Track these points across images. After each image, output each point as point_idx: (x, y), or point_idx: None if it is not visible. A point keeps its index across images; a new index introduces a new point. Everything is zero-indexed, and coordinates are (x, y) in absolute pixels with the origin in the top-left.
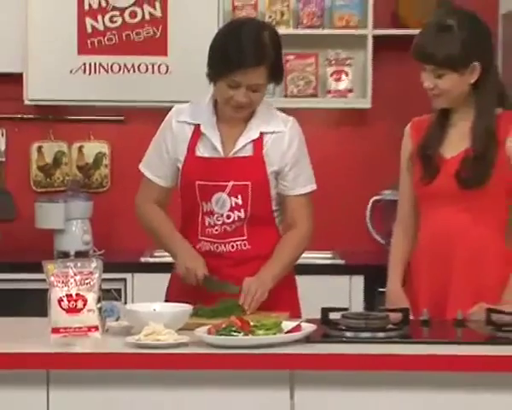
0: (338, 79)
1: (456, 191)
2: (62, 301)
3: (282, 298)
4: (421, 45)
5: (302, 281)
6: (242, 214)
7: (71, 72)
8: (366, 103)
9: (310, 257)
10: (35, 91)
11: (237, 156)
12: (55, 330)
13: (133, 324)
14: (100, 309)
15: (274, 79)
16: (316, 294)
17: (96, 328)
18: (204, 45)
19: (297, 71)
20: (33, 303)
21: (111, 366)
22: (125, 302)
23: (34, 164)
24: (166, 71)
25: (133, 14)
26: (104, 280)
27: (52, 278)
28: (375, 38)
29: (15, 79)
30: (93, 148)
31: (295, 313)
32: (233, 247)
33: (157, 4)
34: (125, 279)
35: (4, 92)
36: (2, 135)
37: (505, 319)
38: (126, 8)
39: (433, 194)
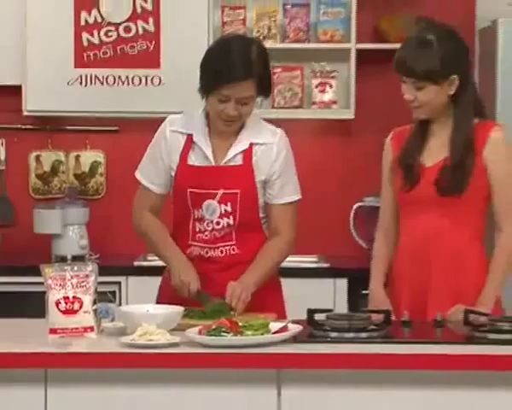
0: (323, 91)
1: (436, 198)
2: (60, 303)
3: (268, 300)
4: (402, 59)
5: (289, 284)
6: (231, 221)
7: (68, 84)
8: (350, 114)
9: (296, 261)
10: (33, 103)
11: (227, 165)
12: (53, 331)
13: (127, 325)
14: (95, 311)
15: (262, 92)
16: (302, 296)
17: (92, 329)
18: (195, 58)
19: (284, 83)
20: (32, 305)
21: (106, 365)
22: (120, 304)
23: (33, 172)
24: (159, 83)
25: (127, 29)
26: (99, 283)
27: (50, 281)
28: (358, 51)
29: (14, 91)
30: (89, 157)
31: (280, 315)
32: (222, 252)
33: (150, 20)
34: (119, 282)
35: (4, 104)
36: (2, 144)
37: (481, 320)
38: (121, 23)
39: (414, 201)
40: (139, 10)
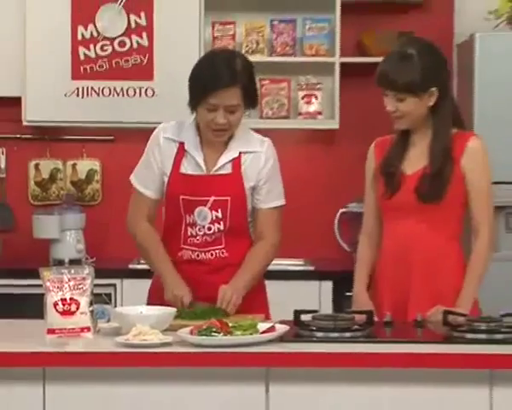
0: (308, 102)
1: (416, 205)
2: (57, 304)
3: (254, 302)
4: (384, 72)
5: (276, 286)
6: (222, 226)
7: (65, 95)
8: (334, 124)
9: (283, 264)
10: (32, 113)
11: (218, 174)
12: (51, 331)
13: (122, 325)
14: (92, 312)
15: (248, 101)
16: (289, 297)
17: (88, 329)
18: (186, 71)
19: (271, 95)
20: (31, 306)
21: (102, 364)
22: (115, 306)
23: (32, 179)
24: (153, 94)
25: (122, 44)
26: (96, 285)
27: (48, 284)
28: (342, 65)
29: (14, 102)
30: (86, 165)
31: (265, 316)
32: (212, 255)
33: (144, 34)
34: (114, 284)
35: (4, 114)
36: (3, 153)
37: (460, 321)
38: (116, 37)
39: (395, 207)
40: (133, 25)
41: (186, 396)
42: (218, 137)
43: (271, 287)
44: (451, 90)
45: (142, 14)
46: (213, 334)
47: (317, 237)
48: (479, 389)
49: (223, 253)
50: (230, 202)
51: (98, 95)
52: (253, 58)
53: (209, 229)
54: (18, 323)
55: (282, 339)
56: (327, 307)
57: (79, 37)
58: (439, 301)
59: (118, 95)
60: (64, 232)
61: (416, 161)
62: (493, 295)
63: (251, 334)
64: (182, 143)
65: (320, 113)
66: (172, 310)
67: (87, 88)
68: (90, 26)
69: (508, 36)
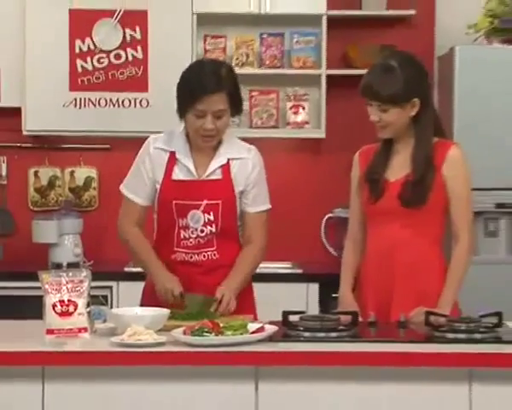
0: (296, 113)
1: (399, 210)
2: (56, 306)
3: (243, 303)
4: (368, 84)
5: (266, 288)
6: (214, 229)
7: (63, 106)
8: (321, 134)
9: (272, 267)
10: (32, 123)
11: (209, 179)
12: (50, 332)
13: (118, 326)
14: (89, 313)
15: (234, 106)
16: (277, 299)
17: (86, 329)
18: None
19: (260, 105)
20: (30, 308)
21: (99, 363)
22: (111, 307)
23: (31, 186)
24: (147, 105)
25: (118, 56)
26: (92, 288)
27: (47, 286)
28: (328, 77)
29: (15, 113)
30: (83, 172)
31: (253, 316)
32: (204, 256)
33: (139, 48)
34: (110, 287)
35: (5, 124)
36: (4, 161)
37: (441, 321)
38: (112, 50)
39: (379, 212)
40: (128, 39)
41: (179, 394)
42: (207, 142)
43: (261, 289)
44: (432, 101)
45: (137, 29)
46: (205, 334)
47: (304, 241)
48: (459, 386)
49: (214, 255)
50: (222, 206)
51: (95, 105)
52: (243, 70)
53: (202, 231)
54: (18, 323)
55: (270, 339)
56: (314, 309)
57: (77, 50)
58: (421, 303)
59: (114, 105)
60: (62, 237)
61: (399, 168)
62: (472, 297)
63: (241, 334)
64: (173, 152)
65: (307, 122)
66: (166, 311)
67: (84, 99)
68: (88, 40)
69: (486, 49)
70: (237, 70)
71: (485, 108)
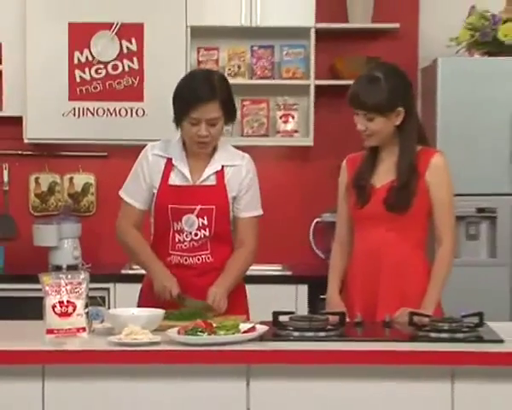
0: (286, 122)
1: (384, 215)
2: (55, 306)
3: (236, 304)
4: (355, 94)
5: (256, 289)
6: (207, 233)
7: (63, 115)
8: (309, 142)
9: (263, 269)
10: (33, 132)
11: (204, 185)
12: (50, 331)
13: (115, 325)
14: (87, 313)
15: (228, 114)
16: (268, 300)
17: (84, 329)
18: None
19: (251, 114)
20: (31, 309)
21: (96, 361)
22: (109, 308)
23: (32, 192)
24: (143, 114)
25: (115, 67)
26: (91, 289)
27: (47, 288)
28: (317, 87)
29: (16, 122)
30: (81, 179)
31: (245, 315)
32: (199, 259)
33: (135, 59)
34: (108, 288)
35: (7, 132)
36: (5, 168)
37: (424, 321)
38: (109, 62)
39: (366, 217)
40: (125, 51)
41: (174, 391)
42: (202, 148)
43: (252, 290)
44: (416, 110)
45: (133, 41)
46: (199, 334)
47: (293, 244)
48: (441, 383)
49: (208, 258)
50: (215, 211)
51: (93, 114)
52: (234, 81)
53: (196, 235)
54: (19, 324)
55: (261, 338)
56: (303, 309)
57: (76, 61)
58: (406, 303)
59: (111, 114)
60: (62, 240)
61: (384, 175)
62: (455, 298)
63: (233, 333)
64: (169, 159)
65: (296, 131)
66: (161, 312)
67: (83, 108)
68: (86, 52)
69: (467, 61)
70: (229, 80)
71: (466, 117)
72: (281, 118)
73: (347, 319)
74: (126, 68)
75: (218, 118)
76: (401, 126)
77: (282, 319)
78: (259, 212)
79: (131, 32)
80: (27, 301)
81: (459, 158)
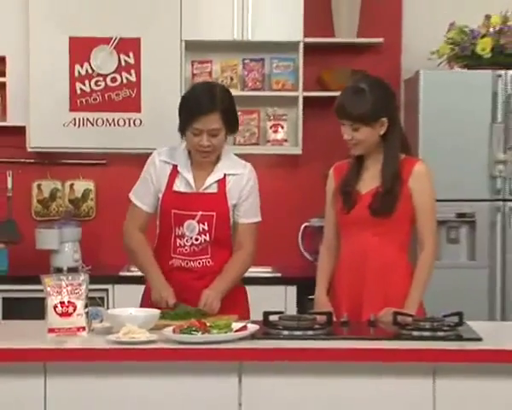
0: (275, 131)
1: (370, 219)
2: (57, 307)
3: (236, 304)
4: (341, 105)
5: (248, 290)
6: (208, 238)
7: (64, 125)
8: (298, 150)
9: (254, 271)
10: (35, 140)
11: (206, 192)
12: (51, 330)
13: (113, 325)
14: (87, 313)
15: (229, 125)
16: (258, 301)
17: (84, 328)
18: (170, 103)
19: (243, 124)
20: (34, 309)
21: (96, 359)
22: (107, 308)
23: (35, 198)
24: (140, 124)
25: (114, 80)
26: (90, 290)
27: (49, 289)
28: (305, 98)
29: (20, 131)
30: (82, 185)
31: (246, 315)
32: (199, 263)
33: (132, 72)
34: (107, 289)
35: (11, 141)
36: (9, 175)
37: (407, 320)
38: (108, 74)
39: (352, 221)
40: (123, 64)
41: (169, 387)
42: (205, 158)
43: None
44: (400, 121)
45: (131, 54)
46: (193, 332)
47: (283, 247)
48: (424, 379)
49: (209, 262)
50: (216, 217)
51: (92, 124)
52: None
53: (196, 240)
54: (22, 323)
55: (253, 337)
56: (292, 309)
57: (76, 74)
58: (390, 304)
59: (110, 124)
60: (63, 244)
61: (369, 181)
62: (436, 299)
63: (226, 332)
64: (175, 166)
65: (286, 140)
66: (157, 312)
67: (83, 118)
68: (86, 65)
69: (448, 73)
70: None
71: (447, 127)
72: (271, 128)
73: (334, 319)
74: (124, 81)
75: (219, 129)
76: (385, 136)
77: (273, 318)
78: (258, 218)
79: (129, 46)
80: (30, 301)
81: (440, 166)
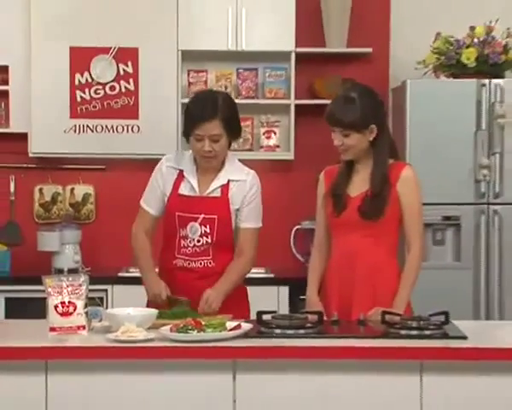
0: (268, 137)
1: (359, 222)
2: (57, 306)
3: (238, 303)
4: (332, 112)
5: None
6: (209, 240)
7: (64, 131)
8: (290, 156)
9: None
10: (37, 146)
11: (209, 196)
12: (52, 329)
13: (112, 324)
14: (86, 313)
15: (230, 131)
16: (252, 300)
17: (84, 327)
18: (166, 111)
19: None
20: (35, 308)
21: (95, 357)
22: (106, 307)
23: (36, 202)
24: (138, 131)
25: (113, 88)
26: (90, 290)
27: (50, 289)
28: (297, 106)
29: (22, 137)
30: (82, 189)
31: (247, 314)
32: (201, 264)
33: (131, 80)
34: (106, 290)
35: (13, 147)
36: (12, 180)
37: (395, 319)
38: (107, 83)
39: (342, 224)
40: (122, 73)
41: (166, 384)
42: (207, 162)
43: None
44: (388, 127)
45: (129, 64)
46: (189, 331)
47: (276, 249)
48: (411, 376)
49: (210, 263)
50: (217, 220)
51: (92, 131)
52: None
53: (198, 241)
54: (24, 322)
55: (246, 335)
56: (284, 309)
57: (76, 82)
58: (378, 303)
59: (109, 131)
60: (63, 246)
61: (359, 185)
62: (423, 298)
63: (220, 331)
64: (181, 171)
65: (278, 146)
66: (154, 311)
67: (83, 125)
68: (86, 74)
69: (434, 82)
70: None
71: (433, 133)
72: (264, 134)
73: (325, 318)
74: (123, 89)
75: (220, 135)
76: (374, 142)
77: (266, 317)
78: (259, 224)
79: (128, 55)
80: (32, 301)
81: (427, 170)
